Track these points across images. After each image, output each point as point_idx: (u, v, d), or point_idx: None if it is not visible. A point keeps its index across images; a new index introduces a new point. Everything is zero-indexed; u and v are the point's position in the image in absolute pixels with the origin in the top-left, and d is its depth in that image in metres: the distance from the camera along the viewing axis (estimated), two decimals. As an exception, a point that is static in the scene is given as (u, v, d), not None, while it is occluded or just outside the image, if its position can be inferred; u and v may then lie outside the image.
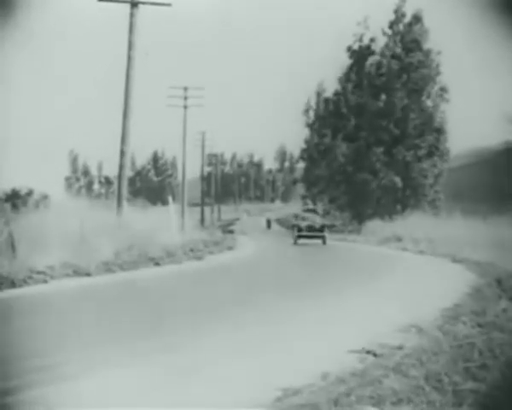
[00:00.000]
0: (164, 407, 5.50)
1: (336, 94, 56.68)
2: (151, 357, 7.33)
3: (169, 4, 27.60)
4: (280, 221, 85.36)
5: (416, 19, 53.05)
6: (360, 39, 54.74)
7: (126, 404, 5.57)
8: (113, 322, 9.85)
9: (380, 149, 52.30)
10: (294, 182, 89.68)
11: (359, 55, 54.80)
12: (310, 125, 62.00)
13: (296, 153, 69.53)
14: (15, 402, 5.58)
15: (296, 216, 39.45)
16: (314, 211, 40.30)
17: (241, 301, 12.19)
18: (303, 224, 37.53)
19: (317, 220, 37.98)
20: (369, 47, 54.63)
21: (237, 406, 5.46)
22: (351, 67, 55.36)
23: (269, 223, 69.57)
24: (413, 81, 52.48)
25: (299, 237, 37.31)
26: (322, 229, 37.15)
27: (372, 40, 54.51)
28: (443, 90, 52.30)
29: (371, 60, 54.75)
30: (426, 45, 53.03)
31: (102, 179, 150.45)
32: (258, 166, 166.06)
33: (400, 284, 15.27)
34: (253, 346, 7.99)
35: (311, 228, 37.24)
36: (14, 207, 21.06)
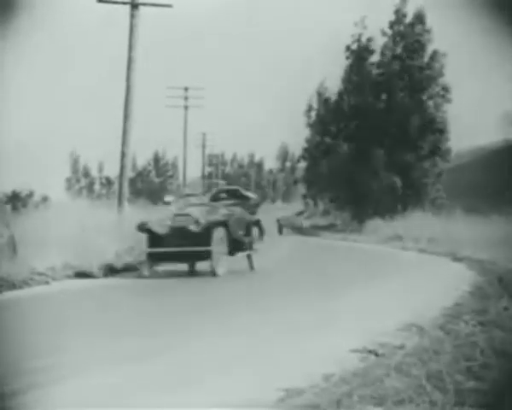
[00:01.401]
0: (164, 407, 5.49)
1: (338, 94, 56.70)
2: (150, 357, 7.32)
3: (170, 5, 27.63)
4: (280, 221, 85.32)
5: (419, 19, 52.86)
6: (358, 39, 54.73)
7: (121, 399, 5.56)
8: (115, 322, 9.85)
9: (380, 149, 52.31)
10: (295, 182, 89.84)
11: (358, 55, 54.78)
12: (311, 125, 62.12)
13: (297, 153, 69.57)
14: (15, 405, 5.58)
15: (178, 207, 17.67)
16: (235, 194, 19.08)
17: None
18: (159, 225, 16.38)
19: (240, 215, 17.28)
20: (367, 47, 54.61)
21: (238, 405, 5.44)
22: (351, 68, 55.36)
23: (281, 228, 55.49)
24: (415, 82, 52.43)
25: (153, 258, 16.33)
26: (206, 238, 15.61)
27: (369, 40, 54.47)
28: (445, 90, 52.22)
29: (371, 60, 54.75)
30: (430, 46, 52.85)
31: (103, 180, 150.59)
32: (259, 166, 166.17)
33: (400, 283, 15.26)
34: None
35: (178, 235, 15.97)
36: (15, 208, 21.08)
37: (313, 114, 62.43)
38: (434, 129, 51.94)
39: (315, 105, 62.47)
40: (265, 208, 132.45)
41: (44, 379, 6.27)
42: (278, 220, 55.39)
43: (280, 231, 53.26)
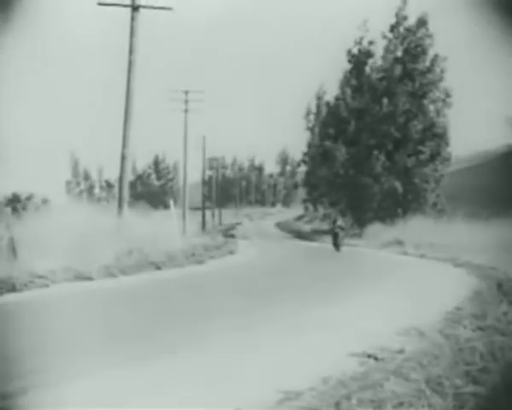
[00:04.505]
0: (164, 407, 5.49)
1: (338, 99, 56.58)
2: (150, 359, 7.33)
3: (170, 8, 27.65)
4: (280, 225, 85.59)
5: (421, 22, 52.72)
6: (360, 43, 54.64)
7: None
8: (113, 325, 9.85)
9: (381, 154, 52.25)
10: (295, 186, 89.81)
11: (359, 58, 54.72)
12: (310, 129, 62.11)
13: (297, 157, 69.49)
14: (14, 405, 5.58)
15: None
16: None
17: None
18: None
19: None
20: (368, 51, 54.54)
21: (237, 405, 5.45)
22: (351, 71, 55.29)
23: (336, 237, 34.08)
24: (416, 86, 52.35)
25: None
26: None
27: (371, 43, 54.37)
28: (446, 94, 52.14)
29: (371, 64, 54.66)
30: (431, 50, 52.72)
31: (103, 183, 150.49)
32: (260, 169, 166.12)
33: (401, 287, 15.25)
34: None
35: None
36: (15, 211, 21.07)
37: (312, 117, 62.45)
38: (435, 134, 51.87)
39: (314, 109, 62.51)
40: (265, 212, 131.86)
41: (47, 380, 6.27)
42: (334, 221, 35.31)
43: (335, 244, 33.86)
